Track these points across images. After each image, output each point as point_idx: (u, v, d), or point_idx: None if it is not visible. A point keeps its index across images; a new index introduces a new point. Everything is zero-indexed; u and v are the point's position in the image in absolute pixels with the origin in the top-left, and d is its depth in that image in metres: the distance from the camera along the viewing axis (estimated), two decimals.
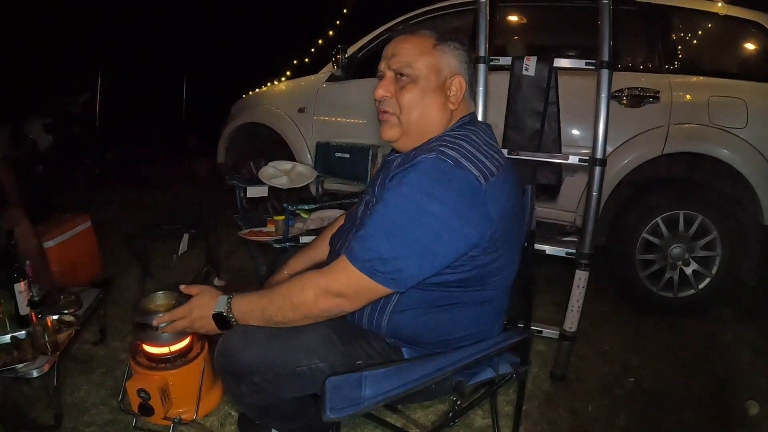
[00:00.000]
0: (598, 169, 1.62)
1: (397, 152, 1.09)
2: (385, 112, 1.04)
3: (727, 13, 2.28)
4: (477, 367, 1.08)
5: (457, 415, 0.96)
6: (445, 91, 1.01)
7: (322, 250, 1.29)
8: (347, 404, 0.84)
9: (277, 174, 2.53)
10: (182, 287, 1.10)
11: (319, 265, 0.99)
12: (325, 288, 0.92)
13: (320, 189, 2.79)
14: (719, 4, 2.29)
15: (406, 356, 1.04)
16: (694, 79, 2.28)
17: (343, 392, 0.85)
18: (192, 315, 1.04)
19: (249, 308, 0.98)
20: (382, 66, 1.04)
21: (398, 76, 1.01)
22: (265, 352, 0.96)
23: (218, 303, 1.01)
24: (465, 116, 1.05)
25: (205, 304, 1.02)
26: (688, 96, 2.23)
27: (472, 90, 1.09)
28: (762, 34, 2.27)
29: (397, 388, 0.86)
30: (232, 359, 0.98)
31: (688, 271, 2.28)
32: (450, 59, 1.01)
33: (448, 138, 0.97)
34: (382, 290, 0.91)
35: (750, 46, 2.34)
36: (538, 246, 1.61)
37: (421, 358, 0.99)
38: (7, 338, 1.51)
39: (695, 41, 2.42)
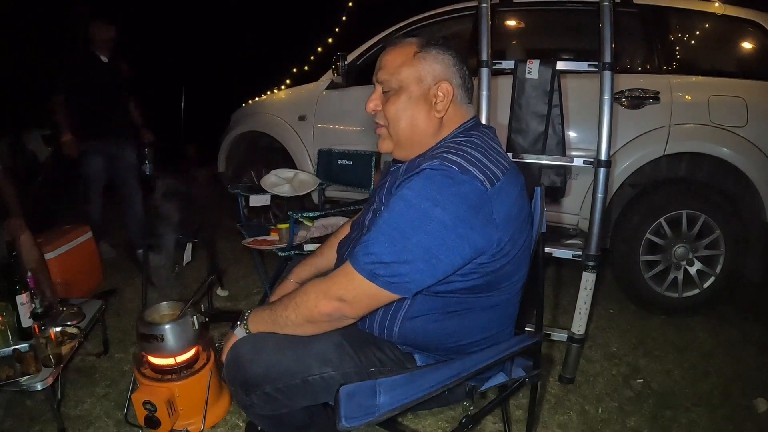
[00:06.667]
0: (603, 171, 1.62)
1: (399, 161, 1.09)
2: (379, 125, 1.06)
3: (725, 13, 2.30)
4: (490, 371, 1.07)
5: (471, 421, 0.95)
6: (430, 99, 1.00)
7: (327, 258, 1.29)
8: (362, 413, 0.82)
9: (280, 182, 2.52)
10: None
11: (325, 274, 0.99)
12: (326, 291, 0.92)
13: (322, 197, 2.78)
14: (716, 4, 2.31)
15: (419, 363, 1.03)
16: (694, 79, 2.29)
17: (357, 400, 0.83)
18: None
19: (261, 308, 1.01)
20: (374, 77, 1.05)
21: (383, 89, 1.03)
22: (276, 361, 0.95)
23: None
24: (468, 120, 1.04)
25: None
26: (688, 96, 2.24)
27: (469, 92, 1.05)
28: (760, 32, 2.28)
29: (412, 395, 0.84)
30: (242, 369, 0.97)
31: (693, 270, 2.28)
32: (433, 65, 0.99)
33: (452, 144, 0.96)
34: (383, 295, 0.90)
35: (748, 45, 2.35)
36: (545, 249, 1.60)
37: (434, 364, 0.98)
38: (9, 351, 1.50)
39: (694, 41, 2.43)
